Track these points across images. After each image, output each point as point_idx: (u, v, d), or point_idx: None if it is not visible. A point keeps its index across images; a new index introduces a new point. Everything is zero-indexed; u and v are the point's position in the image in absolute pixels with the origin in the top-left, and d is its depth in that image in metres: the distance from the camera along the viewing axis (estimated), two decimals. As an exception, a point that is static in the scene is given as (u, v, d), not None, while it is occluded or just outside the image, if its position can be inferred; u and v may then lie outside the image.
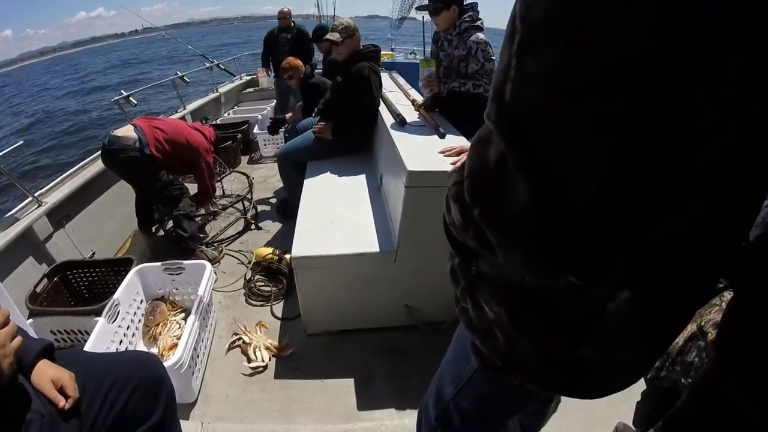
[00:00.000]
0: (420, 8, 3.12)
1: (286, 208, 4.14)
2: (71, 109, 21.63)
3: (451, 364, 1.12)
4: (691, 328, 1.81)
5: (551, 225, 0.58)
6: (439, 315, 2.67)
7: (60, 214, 3.41)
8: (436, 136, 2.66)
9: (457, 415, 1.10)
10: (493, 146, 0.59)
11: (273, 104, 7.28)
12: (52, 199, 3.34)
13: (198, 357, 2.38)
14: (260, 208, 4.42)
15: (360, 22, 3.75)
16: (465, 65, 3.05)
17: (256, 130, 5.94)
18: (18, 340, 1.10)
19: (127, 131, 3.28)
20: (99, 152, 3.63)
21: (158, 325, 2.62)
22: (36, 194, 3.29)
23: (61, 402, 1.24)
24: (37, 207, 3.22)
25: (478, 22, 3.03)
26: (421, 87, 3.15)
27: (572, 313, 0.71)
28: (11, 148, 3.20)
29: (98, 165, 3.81)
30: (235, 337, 2.69)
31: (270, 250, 3.35)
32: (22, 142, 3.46)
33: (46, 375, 1.27)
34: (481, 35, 2.96)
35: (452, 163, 2.17)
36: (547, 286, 0.70)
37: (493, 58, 3.03)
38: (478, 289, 0.85)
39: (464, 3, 3.08)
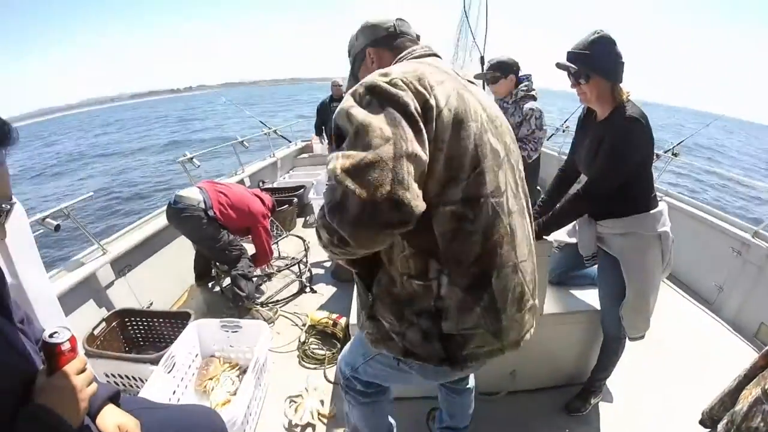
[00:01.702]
0: (478, 77, 3.18)
1: (341, 272, 4.13)
2: (134, 163, 22.56)
3: (359, 345, 1.59)
4: (755, 392, 1.68)
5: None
6: (495, 385, 2.54)
7: (122, 264, 3.50)
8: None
9: (364, 375, 1.62)
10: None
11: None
12: (117, 248, 3.46)
13: (250, 415, 2.31)
14: (315, 271, 4.41)
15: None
16: (518, 131, 3.15)
17: (311, 194, 6.02)
18: (93, 387, 1.11)
19: (192, 192, 3.42)
20: (163, 208, 3.78)
21: (211, 379, 2.58)
22: (102, 243, 3.39)
23: None
24: (102, 255, 3.32)
25: (533, 92, 3.15)
26: None
27: (430, 303, 1.19)
28: (81, 198, 3.33)
29: (161, 221, 3.95)
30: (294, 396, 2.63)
31: (325, 314, 3.30)
32: (91, 193, 3.61)
33: (113, 420, 1.26)
34: (535, 104, 3.07)
35: None
36: (415, 291, 1.19)
37: (545, 127, 3.14)
38: (376, 309, 1.28)
39: (519, 74, 3.22)
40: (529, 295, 1.29)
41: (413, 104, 1.05)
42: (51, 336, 1.07)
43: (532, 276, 1.31)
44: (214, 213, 3.39)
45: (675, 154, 4.99)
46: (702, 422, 2.03)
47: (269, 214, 3.94)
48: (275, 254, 4.62)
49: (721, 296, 3.61)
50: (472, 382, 2.01)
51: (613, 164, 1.94)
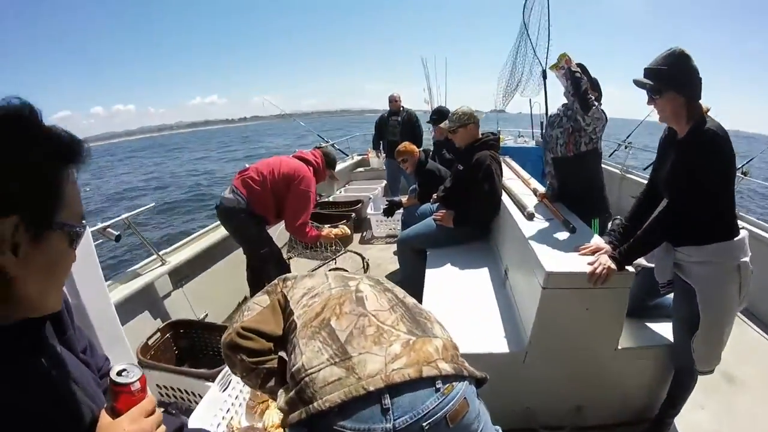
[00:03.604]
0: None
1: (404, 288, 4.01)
2: (192, 180, 22.93)
3: None
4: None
5: None
6: (561, 419, 2.40)
7: (180, 275, 3.50)
8: (565, 231, 2.55)
9: None
10: None
11: (383, 185, 7.41)
12: (175, 259, 3.45)
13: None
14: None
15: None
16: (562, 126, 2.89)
17: (369, 210, 5.92)
18: (162, 429, 1.00)
19: (228, 193, 3.33)
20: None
21: (265, 401, 2.51)
22: (161, 253, 3.39)
23: None
24: (161, 265, 3.32)
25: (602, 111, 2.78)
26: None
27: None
28: (143, 208, 3.36)
29: (218, 233, 3.98)
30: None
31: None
32: (153, 204, 3.64)
33: None
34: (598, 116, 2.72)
35: (589, 263, 2.04)
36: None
37: (595, 135, 2.78)
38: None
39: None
40: (396, 333, 1.33)
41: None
42: (119, 374, 0.93)
43: (401, 323, 1.38)
44: (247, 203, 3.25)
45: (744, 173, 4.73)
46: None
47: (324, 173, 3.66)
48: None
49: None
50: None
51: (693, 180, 1.86)
